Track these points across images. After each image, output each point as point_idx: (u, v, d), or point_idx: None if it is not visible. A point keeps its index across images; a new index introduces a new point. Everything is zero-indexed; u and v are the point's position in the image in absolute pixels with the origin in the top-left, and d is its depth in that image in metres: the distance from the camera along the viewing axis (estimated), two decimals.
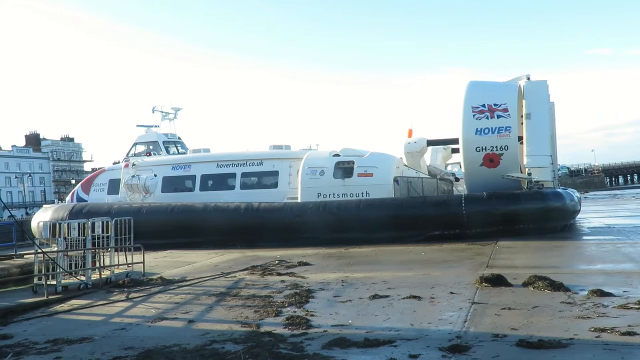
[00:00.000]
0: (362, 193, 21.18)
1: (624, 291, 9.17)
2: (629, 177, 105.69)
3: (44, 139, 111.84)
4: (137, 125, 29.81)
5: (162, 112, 29.84)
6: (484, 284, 10.35)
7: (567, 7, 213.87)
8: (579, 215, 22.39)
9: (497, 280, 10.40)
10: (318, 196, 21.49)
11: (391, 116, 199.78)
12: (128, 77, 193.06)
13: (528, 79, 20.66)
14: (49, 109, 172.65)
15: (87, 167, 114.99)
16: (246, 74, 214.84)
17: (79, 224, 13.59)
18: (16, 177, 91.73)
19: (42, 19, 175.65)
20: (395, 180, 20.96)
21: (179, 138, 29.80)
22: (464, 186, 21.50)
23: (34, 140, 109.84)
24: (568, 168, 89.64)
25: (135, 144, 28.87)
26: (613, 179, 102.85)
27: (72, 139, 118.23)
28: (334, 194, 21.48)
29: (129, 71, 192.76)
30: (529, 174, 19.72)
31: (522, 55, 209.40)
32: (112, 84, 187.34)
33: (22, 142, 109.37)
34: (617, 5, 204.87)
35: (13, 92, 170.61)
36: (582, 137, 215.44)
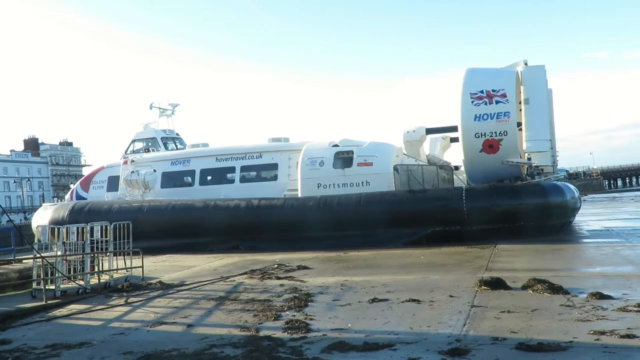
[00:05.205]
0: (362, 182, 21.13)
1: (623, 294, 9.19)
2: (627, 180, 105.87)
3: (43, 144, 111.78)
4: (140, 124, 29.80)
5: (160, 108, 29.85)
6: (483, 287, 10.36)
7: (563, 10, 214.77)
8: (578, 218, 22.36)
9: (497, 284, 10.41)
10: (318, 187, 21.46)
11: (390, 119, 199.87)
12: (126, 80, 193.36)
13: (526, 64, 20.36)
14: (47, 114, 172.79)
15: (85, 171, 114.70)
16: (246, 76, 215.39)
17: (77, 228, 13.60)
18: (15, 182, 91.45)
19: (41, 23, 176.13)
20: (395, 168, 20.84)
21: (177, 134, 29.80)
22: (464, 175, 21.45)
23: (32, 145, 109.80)
24: (567, 171, 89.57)
25: (133, 141, 28.85)
26: (612, 182, 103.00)
27: (70, 144, 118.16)
28: (334, 184, 21.45)
29: (127, 74, 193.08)
30: (529, 159, 19.54)
31: (519, 58, 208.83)
32: (111, 88, 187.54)
33: (20, 147, 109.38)
34: (613, 8, 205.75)
35: (11, 97, 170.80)
36: (580, 140, 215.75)
